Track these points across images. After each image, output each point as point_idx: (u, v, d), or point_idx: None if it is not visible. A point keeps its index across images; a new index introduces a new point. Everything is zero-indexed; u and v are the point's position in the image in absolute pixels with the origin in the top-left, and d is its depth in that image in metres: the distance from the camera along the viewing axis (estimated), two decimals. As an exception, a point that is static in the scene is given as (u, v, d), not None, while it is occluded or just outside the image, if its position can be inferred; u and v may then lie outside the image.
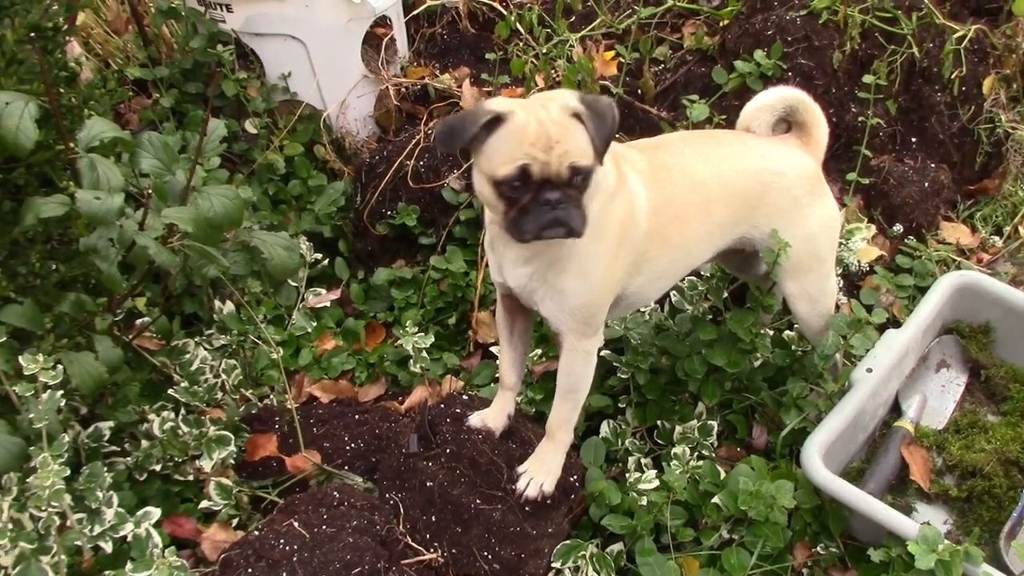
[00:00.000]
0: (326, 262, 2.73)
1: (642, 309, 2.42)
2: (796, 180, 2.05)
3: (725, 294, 2.35)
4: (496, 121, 1.67)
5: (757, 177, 2.03)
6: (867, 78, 2.71)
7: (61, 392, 1.82)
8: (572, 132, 1.67)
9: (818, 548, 2.03)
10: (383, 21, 3.15)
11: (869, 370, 2.12)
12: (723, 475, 2.12)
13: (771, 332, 2.32)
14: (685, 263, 2.04)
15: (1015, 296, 2.27)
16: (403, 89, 3.13)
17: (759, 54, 2.77)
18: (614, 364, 2.34)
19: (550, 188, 1.67)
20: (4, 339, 1.77)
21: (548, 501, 2.02)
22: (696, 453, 2.22)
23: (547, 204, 1.67)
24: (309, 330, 2.54)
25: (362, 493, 2.02)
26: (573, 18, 3.21)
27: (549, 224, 1.69)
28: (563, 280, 1.85)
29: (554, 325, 1.92)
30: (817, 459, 1.99)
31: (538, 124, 1.65)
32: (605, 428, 2.29)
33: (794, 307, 2.16)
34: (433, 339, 2.47)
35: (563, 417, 2.01)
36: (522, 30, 3.08)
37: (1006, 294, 2.28)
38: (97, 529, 1.88)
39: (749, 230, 2.07)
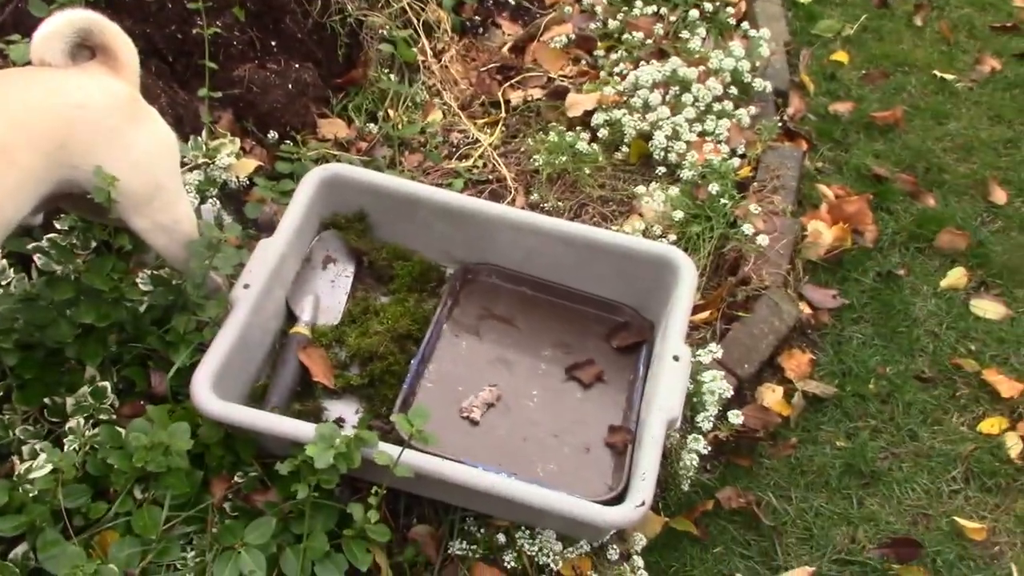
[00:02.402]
0: None
1: (3, 282, 2.15)
2: (105, 110, 1.89)
3: (94, 243, 2.16)
4: None
5: (55, 113, 1.84)
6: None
7: None
8: None
9: (236, 477, 1.97)
10: None
11: (246, 286, 2.07)
12: (126, 436, 1.97)
13: (149, 272, 2.17)
14: (2, 221, 1.81)
15: (378, 179, 2.33)
16: None
17: (80, -23, 2.54)
18: (-23, 352, 2.06)
19: None
20: None
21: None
22: (93, 421, 2.04)
23: None
24: None
25: None
26: None
27: None
28: None
29: None
30: (205, 390, 1.90)
31: None
32: (-10, 424, 2.03)
33: (152, 243, 2.02)
34: None
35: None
36: None
37: (370, 178, 2.32)
38: None
39: (70, 172, 1.87)
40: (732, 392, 2.14)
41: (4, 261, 2.15)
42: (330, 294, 2.28)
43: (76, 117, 1.87)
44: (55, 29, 1.89)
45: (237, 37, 2.71)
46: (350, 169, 2.34)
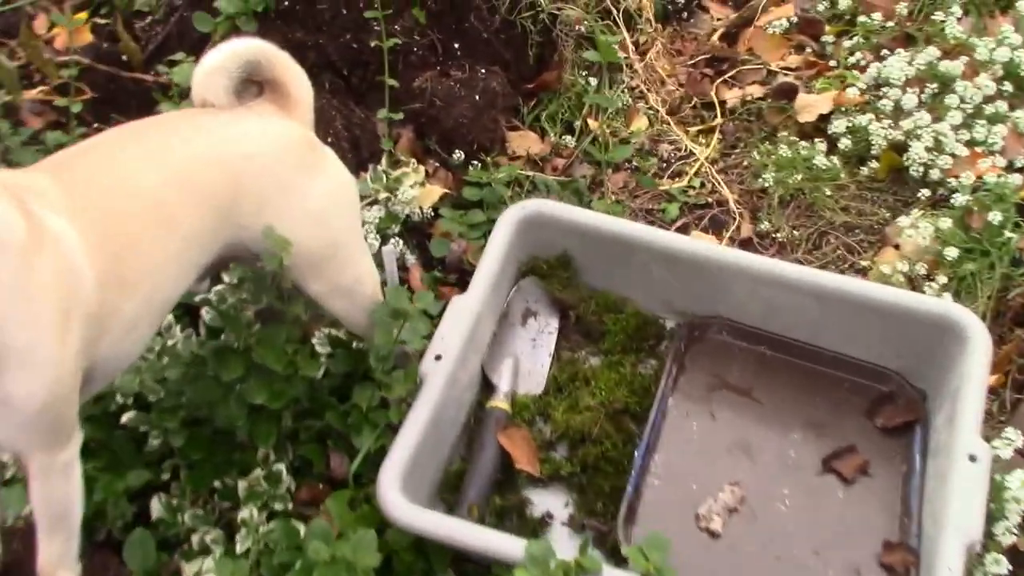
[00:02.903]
0: None
1: (169, 343, 1.91)
2: (276, 157, 1.59)
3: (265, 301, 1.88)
4: None
5: (221, 165, 1.54)
6: (373, -13, 2.26)
7: None
8: None
9: (428, 588, 1.68)
10: None
11: (438, 358, 1.75)
12: (303, 532, 1.70)
13: (324, 332, 1.89)
14: (160, 299, 1.53)
15: (586, 218, 1.97)
16: None
17: (250, -12, 2.26)
18: (143, 428, 1.83)
19: None
20: None
21: (73, 658, 1.52)
22: (268, 510, 1.78)
23: None
24: None
25: None
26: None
27: None
28: (5, 389, 1.31)
29: (9, 448, 1.44)
30: (393, 492, 1.60)
31: None
32: (156, 506, 1.80)
33: (330, 308, 1.73)
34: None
35: (58, 553, 1.50)
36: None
37: (575, 217, 1.97)
38: None
39: (237, 232, 1.59)
40: (1042, 495, 1.69)
41: (170, 316, 1.91)
42: (531, 356, 1.94)
43: (244, 169, 1.58)
44: (219, 64, 1.60)
45: (416, 42, 2.38)
46: (552, 206, 1.99)
